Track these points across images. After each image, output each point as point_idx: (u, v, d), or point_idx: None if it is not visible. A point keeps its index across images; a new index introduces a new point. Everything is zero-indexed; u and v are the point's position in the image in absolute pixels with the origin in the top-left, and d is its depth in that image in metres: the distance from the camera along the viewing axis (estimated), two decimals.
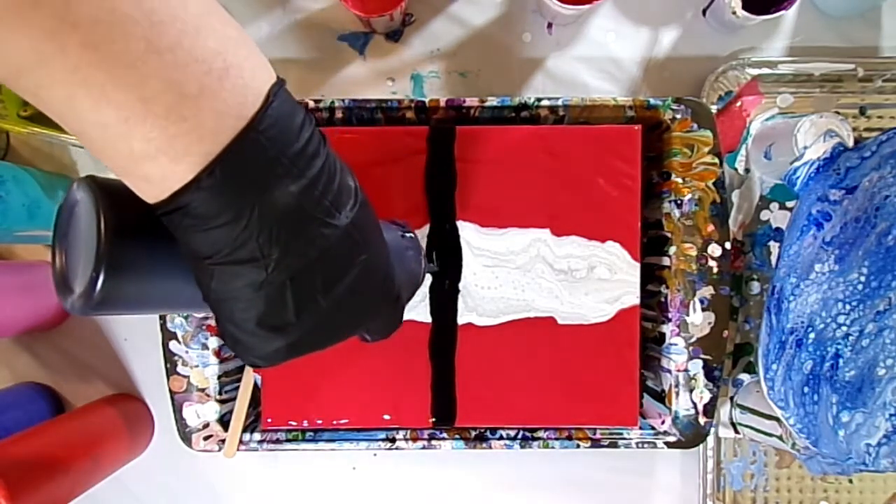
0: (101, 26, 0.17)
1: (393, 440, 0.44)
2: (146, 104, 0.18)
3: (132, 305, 0.23)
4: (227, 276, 0.21)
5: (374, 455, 0.52)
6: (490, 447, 0.43)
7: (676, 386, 0.43)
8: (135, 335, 0.52)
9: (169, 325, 0.43)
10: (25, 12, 0.16)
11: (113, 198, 0.21)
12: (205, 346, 0.43)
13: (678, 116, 0.43)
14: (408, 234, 0.34)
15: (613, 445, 0.44)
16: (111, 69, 0.17)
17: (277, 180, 0.21)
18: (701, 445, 0.46)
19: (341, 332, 0.26)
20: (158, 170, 0.19)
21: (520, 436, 0.44)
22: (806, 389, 0.42)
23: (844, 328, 0.42)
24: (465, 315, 0.43)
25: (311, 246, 0.22)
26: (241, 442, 0.43)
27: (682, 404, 0.43)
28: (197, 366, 0.43)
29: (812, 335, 0.43)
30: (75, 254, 0.22)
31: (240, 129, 0.20)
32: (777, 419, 0.43)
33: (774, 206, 0.50)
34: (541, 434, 0.44)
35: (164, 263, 0.22)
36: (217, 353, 0.43)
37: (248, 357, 0.24)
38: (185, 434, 0.43)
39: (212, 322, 0.43)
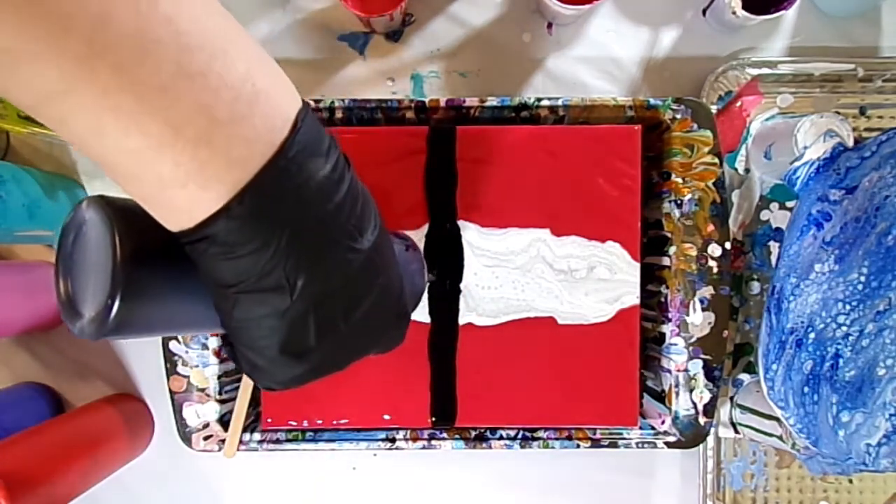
0: (130, 49, 0.16)
1: (393, 440, 0.44)
2: (176, 129, 0.17)
3: (144, 329, 0.22)
4: (250, 304, 0.21)
5: (374, 455, 0.52)
6: (490, 447, 0.43)
7: (676, 386, 0.43)
8: None
9: None
10: (56, 39, 0.15)
11: (127, 218, 0.20)
12: (205, 346, 0.43)
13: (678, 116, 0.43)
14: (411, 248, 0.34)
15: (613, 445, 0.44)
16: (141, 93, 0.17)
17: (306, 207, 0.20)
18: (701, 445, 0.46)
19: (357, 354, 0.26)
20: (186, 197, 0.19)
21: (520, 436, 0.44)
22: (806, 389, 0.42)
23: (844, 328, 0.42)
24: (465, 315, 0.43)
25: (335, 272, 0.22)
26: (241, 442, 0.43)
27: (682, 404, 0.43)
28: (197, 366, 0.43)
29: (812, 335, 0.43)
30: (83, 276, 0.21)
31: (269, 155, 0.19)
32: (777, 419, 0.43)
33: (774, 206, 0.50)
34: (541, 434, 0.44)
35: (180, 287, 0.22)
36: (217, 353, 0.43)
37: (267, 382, 0.24)
38: (185, 434, 0.43)
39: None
